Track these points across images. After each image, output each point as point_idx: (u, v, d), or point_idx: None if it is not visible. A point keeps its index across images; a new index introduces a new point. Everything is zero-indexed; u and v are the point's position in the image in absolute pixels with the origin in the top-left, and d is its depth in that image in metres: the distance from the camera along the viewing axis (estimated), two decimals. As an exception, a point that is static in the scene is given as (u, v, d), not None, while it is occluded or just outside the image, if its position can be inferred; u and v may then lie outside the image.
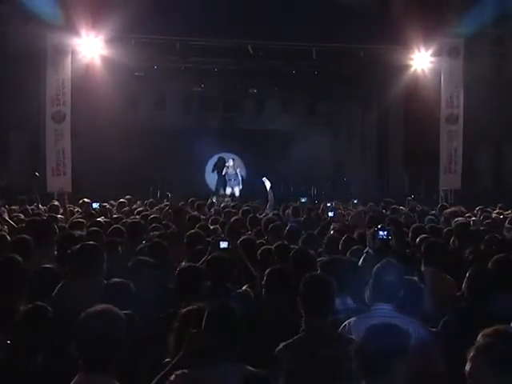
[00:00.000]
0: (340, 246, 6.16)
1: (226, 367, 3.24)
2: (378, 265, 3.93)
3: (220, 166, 19.87)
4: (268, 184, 13.37)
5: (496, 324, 2.53)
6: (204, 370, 3.26)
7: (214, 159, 21.13)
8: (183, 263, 5.39)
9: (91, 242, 5.39)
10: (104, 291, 4.31)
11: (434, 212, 10.63)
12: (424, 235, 6.44)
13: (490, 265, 4.73)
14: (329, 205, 11.43)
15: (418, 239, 6.34)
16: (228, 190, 18.81)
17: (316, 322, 3.74)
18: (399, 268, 3.92)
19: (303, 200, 10.53)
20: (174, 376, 3.24)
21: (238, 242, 6.06)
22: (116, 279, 4.41)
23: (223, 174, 19.29)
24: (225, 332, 3.30)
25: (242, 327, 3.35)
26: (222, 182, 19.45)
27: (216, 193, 18.64)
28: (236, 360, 3.30)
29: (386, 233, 4.98)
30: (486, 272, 4.50)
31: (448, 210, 10.14)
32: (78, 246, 5.26)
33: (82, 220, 8.21)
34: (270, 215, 9.43)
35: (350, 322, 3.80)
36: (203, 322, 3.33)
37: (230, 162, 19.28)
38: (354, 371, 2.86)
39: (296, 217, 9.79)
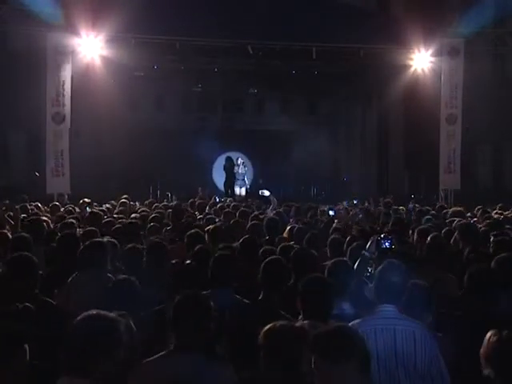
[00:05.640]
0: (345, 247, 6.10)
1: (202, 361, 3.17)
2: (382, 265, 3.84)
3: (228, 166, 19.39)
4: (267, 193, 13.44)
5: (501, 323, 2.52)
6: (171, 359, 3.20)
7: (221, 159, 20.81)
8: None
9: (96, 239, 5.62)
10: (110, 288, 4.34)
11: (433, 212, 10.61)
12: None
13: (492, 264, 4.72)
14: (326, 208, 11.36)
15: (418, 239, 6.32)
16: (236, 190, 18.73)
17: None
18: (402, 268, 3.87)
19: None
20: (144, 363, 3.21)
21: (239, 242, 6.06)
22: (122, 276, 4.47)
23: (234, 172, 18.96)
24: (194, 321, 3.24)
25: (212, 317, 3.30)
26: (231, 182, 19.13)
27: (225, 194, 18.46)
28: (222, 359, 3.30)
29: (389, 242, 4.97)
30: (485, 271, 4.47)
31: (452, 210, 10.13)
32: (85, 244, 5.49)
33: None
34: (271, 215, 9.43)
35: (355, 324, 3.74)
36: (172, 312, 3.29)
37: (239, 161, 19.10)
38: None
39: (297, 216, 9.82)
